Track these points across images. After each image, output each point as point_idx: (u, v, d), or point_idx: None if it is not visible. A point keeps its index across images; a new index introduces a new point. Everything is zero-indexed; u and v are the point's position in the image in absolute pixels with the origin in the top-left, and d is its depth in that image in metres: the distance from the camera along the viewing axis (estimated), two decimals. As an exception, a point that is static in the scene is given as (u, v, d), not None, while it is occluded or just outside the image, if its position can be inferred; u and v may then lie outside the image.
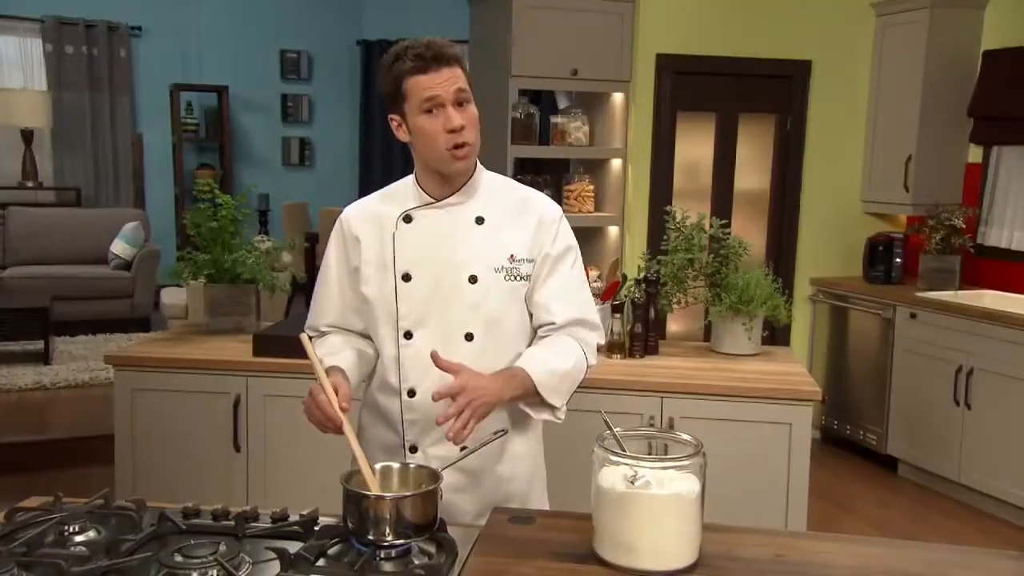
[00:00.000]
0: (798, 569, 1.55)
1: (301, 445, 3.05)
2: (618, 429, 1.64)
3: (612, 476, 1.57)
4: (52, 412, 5.25)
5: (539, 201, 2.02)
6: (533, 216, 1.97)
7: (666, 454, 1.64)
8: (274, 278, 3.50)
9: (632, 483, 1.54)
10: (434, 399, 1.76)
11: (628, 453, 1.58)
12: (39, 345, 6.04)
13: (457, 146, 1.84)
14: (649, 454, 1.67)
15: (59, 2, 8.07)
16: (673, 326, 4.85)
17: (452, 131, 1.82)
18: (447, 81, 1.82)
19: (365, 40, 9.01)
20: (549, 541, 1.65)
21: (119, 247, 7.42)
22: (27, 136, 7.94)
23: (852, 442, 5.16)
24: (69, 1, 8.11)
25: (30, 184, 7.99)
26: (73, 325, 6.88)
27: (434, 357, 1.79)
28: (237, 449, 3.16)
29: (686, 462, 1.57)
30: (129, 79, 8.42)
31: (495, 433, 1.84)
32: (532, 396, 1.88)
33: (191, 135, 8.55)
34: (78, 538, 1.62)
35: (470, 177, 1.95)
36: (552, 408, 1.92)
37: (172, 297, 6.43)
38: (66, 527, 1.64)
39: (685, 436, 1.62)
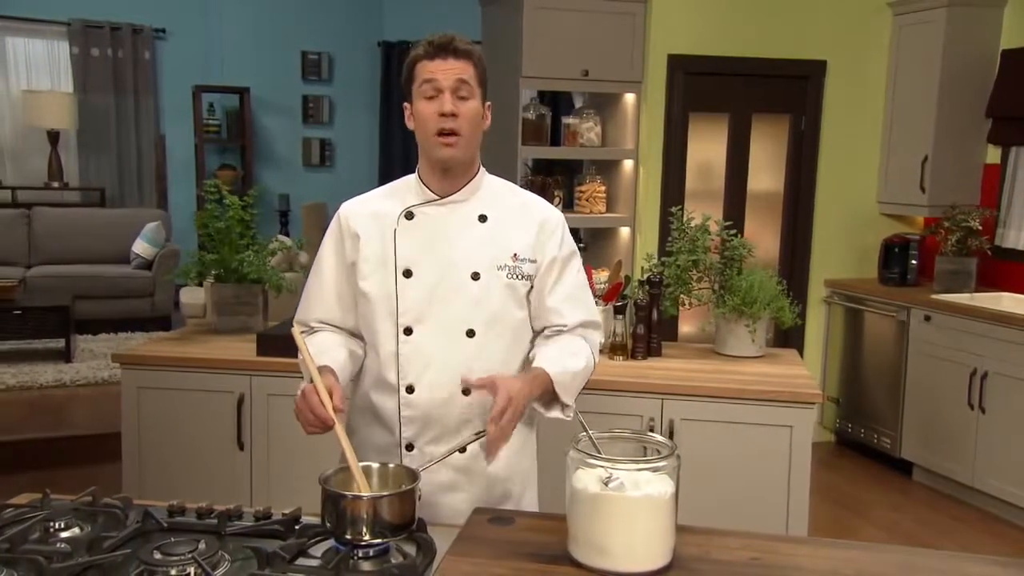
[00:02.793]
0: (771, 572, 1.55)
1: (303, 443, 3.04)
2: (593, 432, 1.64)
3: (586, 478, 1.57)
4: (71, 409, 5.32)
5: (541, 205, 2.05)
6: (535, 219, 2.00)
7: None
8: (281, 278, 3.53)
9: (606, 485, 1.54)
10: (470, 386, 1.86)
11: (602, 455, 1.58)
12: (61, 343, 6.12)
13: (444, 132, 1.87)
14: (646, 455, 1.68)
15: (85, 5, 8.19)
16: (685, 327, 4.84)
17: (443, 115, 1.86)
18: (450, 70, 1.87)
19: (386, 41, 9.05)
20: (526, 542, 1.66)
21: (140, 247, 7.53)
22: (53, 137, 8.05)
23: (866, 445, 5.12)
24: (95, 4, 8.22)
25: (56, 184, 8.11)
26: (95, 324, 6.98)
27: (465, 380, 1.86)
28: (241, 447, 3.19)
29: (660, 463, 1.58)
30: (153, 81, 8.52)
31: (476, 434, 1.86)
32: (548, 394, 1.91)
33: (213, 136, 8.63)
34: (63, 535, 1.65)
35: (472, 177, 1.98)
36: (563, 406, 1.94)
37: (190, 296, 6.50)
38: (52, 524, 1.67)
39: (659, 438, 1.63)
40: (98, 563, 1.53)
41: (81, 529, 1.67)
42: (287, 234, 8.42)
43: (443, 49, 1.87)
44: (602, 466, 1.56)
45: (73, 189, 8.27)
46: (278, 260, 3.71)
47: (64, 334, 6.11)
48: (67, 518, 1.69)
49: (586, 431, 1.64)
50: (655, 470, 1.57)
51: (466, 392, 1.91)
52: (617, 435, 1.67)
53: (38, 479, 4.10)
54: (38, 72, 8.28)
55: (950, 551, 1.72)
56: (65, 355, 6.07)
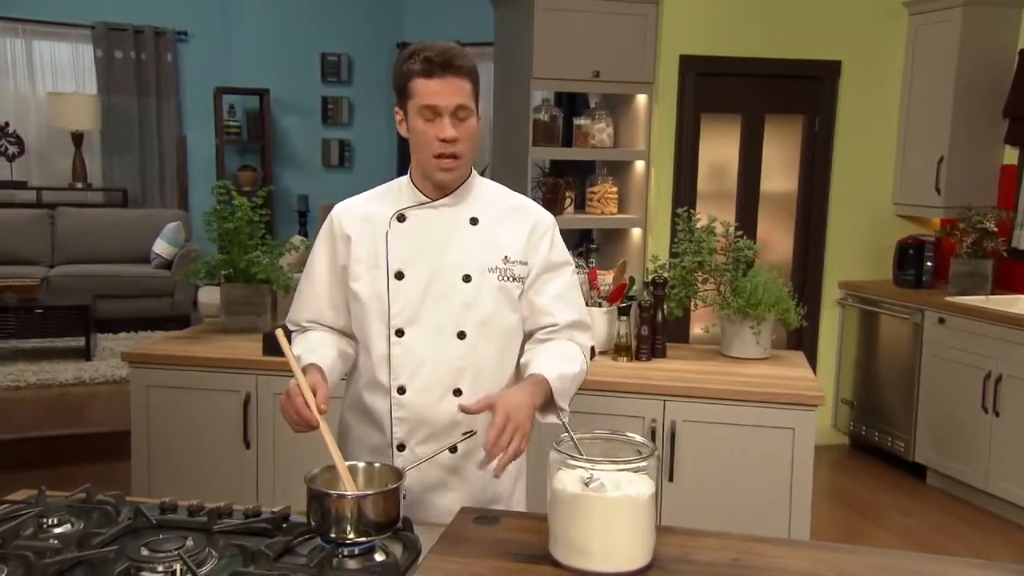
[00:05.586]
0: (751, 573, 1.55)
1: (308, 442, 3.08)
2: (575, 432, 1.65)
3: (567, 478, 1.58)
4: (90, 407, 5.40)
5: (533, 208, 2.05)
6: (527, 221, 2.00)
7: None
8: (289, 278, 3.56)
9: (587, 485, 1.55)
10: (463, 410, 1.82)
11: (583, 456, 1.59)
12: (81, 342, 6.22)
13: (444, 155, 1.87)
14: (641, 455, 1.68)
15: (109, 9, 8.30)
16: (696, 328, 4.83)
17: (443, 140, 1.85)
18: (450, 92, 1.84)
19: (405, 42, 9.07)
20: (508, 541, 1.67)
21: (160, 247, 7.61)
22: (77, 138, 8.16)
23: (880, 448, 5.08)
24: (118, 8, 8.32)
25: (79, 185, 8.22)
26: (116, 323, 7.10)
27: (463, 408, 1.82)
28: (247, 446, 3.23)
29: (641, 464, 1.58)
30: (175, 83, 8.61)
31: (464, 434, 1.87)
32: (546, 400, 1.88)
33: (233, 137, 8.70)
34: (56, 531, 1.67)
35: (464, 181, 1.98)
36: (558, 411, 1.91)
37: (208, 296, 6.55)
38: (45, 520, 1.70)
39: (639, 438, 1.63)
40: (86, 559, 1.56)
41: (73, 525, 1.70)
42: (305, 234, 8.47)
43: (443, 68, 1.82)
44: (582, 467, 1.57)
45: (96, 190, 8.37)
46: (293, 260, 3.74)
47: (84, 333, 6.21)
48: (60, 514, 1.71)
49: (568, 432, 1.65)
50: (635, 471, 1.57)
51: (457, 393, 1.92)
52: (599, 436, 1.67)
53: (57, 475, 4.18)
54: (63, 74, 8.40)
55: (950, 556, 1.71)
56: (85, 353, 6.17)
